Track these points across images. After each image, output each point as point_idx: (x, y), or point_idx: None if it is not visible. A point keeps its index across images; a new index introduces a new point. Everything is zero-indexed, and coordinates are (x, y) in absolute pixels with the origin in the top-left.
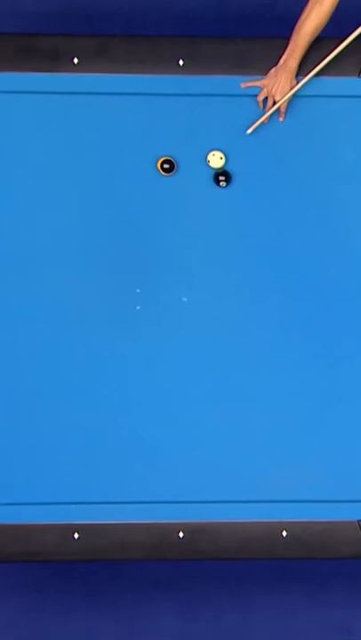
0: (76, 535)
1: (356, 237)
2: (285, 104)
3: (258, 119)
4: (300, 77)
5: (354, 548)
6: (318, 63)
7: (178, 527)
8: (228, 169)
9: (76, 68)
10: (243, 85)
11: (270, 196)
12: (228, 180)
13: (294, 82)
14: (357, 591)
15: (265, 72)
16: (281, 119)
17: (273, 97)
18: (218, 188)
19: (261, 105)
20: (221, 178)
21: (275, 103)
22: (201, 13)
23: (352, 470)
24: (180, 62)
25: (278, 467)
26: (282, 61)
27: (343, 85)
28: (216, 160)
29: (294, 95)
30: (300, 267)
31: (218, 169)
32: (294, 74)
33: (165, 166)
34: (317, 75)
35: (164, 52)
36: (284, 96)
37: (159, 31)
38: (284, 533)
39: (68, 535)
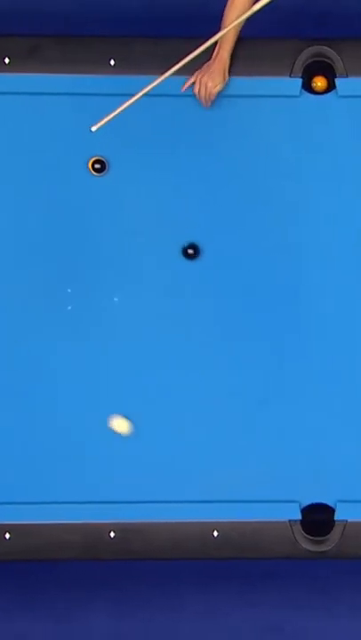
0: (8, 535)
1: (292, 232)
2: (215, 92)
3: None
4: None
5: (285, 547)
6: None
7: (109, 527)
8: (154, 166)
9: (7, 68)
10: (182, 88)
11: (201, 195)
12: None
13: (227, 74)
14: (289, 591)
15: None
16: (207, 105)
17: (205, 86)
18: (147, 188)
19: (204, 101)
20: (97, 166)
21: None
22: (133, 14)
23: (283, 471)
24: (112, 62)
25: (210, 467)
26: (214, 54)
27: (275, 85)
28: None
29: (222, 94)
30: (232, 263)
31: None
32: (227, 65)
33: (97, 166)
34: (250, 75)
35: (95, 52)
36: (216, 86)
37: (92, 31)
38: (216, 533)
39: (0, 535)
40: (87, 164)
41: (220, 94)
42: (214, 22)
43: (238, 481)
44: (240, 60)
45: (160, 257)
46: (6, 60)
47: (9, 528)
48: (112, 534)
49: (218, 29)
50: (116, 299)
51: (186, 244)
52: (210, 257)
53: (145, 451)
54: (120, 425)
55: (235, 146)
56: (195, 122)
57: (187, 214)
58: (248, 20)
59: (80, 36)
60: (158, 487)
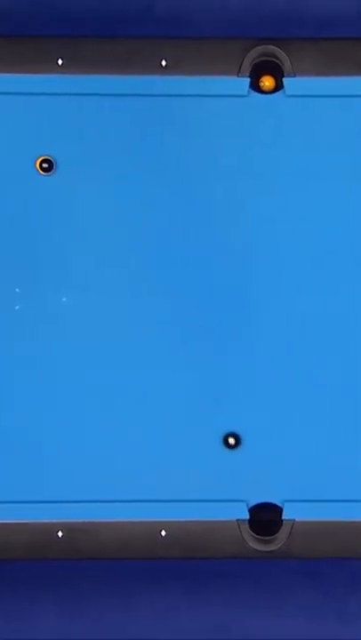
0: None
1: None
2: None
3: None
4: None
5: (233, 547)
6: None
7: (57, 526)
8: (110, 169)
9: None
10: None
11: (147, 194)
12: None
13: None
14: (237, 590)
15: (147, 71)
16: None
17: None
18: (95, 187)
19: None
20: (45, 165)
21: None
22: (83, 14)
23: (230, 470)
24: (60, 62)
25: (158, 466)
26: None
27: (223, 85)
28: None
29: (169, 93)
30: (185, 264)
31: None
32: None
33: (44, 165)
34: (197, 74)
35: (43, 51)
36: None
37: (40, 31)
38: (164, 533)
39: None
40: (35, 163)
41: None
42: (162, 22)
43: (186, 480)
44: (188, 60)
45: (109, 256)
46: None
47: None
48: (60, 534)
49: (169, 28)
50: (64, 299)
51: None
52: (162, 255)
53: (93, 449)
54: None
55: (182, 146)
56: (141, 121)
57: (135, 212)
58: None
59: (31, 36)
60: (107, 486)
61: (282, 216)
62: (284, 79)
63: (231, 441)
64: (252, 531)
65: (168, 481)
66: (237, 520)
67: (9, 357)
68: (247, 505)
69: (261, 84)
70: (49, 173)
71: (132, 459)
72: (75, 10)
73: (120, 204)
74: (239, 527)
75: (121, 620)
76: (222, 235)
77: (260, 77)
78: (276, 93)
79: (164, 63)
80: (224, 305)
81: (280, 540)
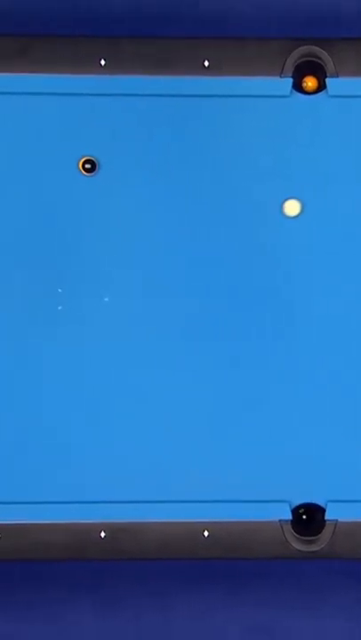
0: None
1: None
2: None
3: None
4: (218, 77)
5: (275, 547)
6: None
7: (100, 527)
8: (151, 169)
9: None
10: None
11: (191, 195)
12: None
13: None
14: (279, 591)
15: (190, 72)
16: None
17: None
18: (138, 188)
19: None
20: (87, 166)
21: None
22: (122, 14)
23: (274, 470)
24: (102, 62)
25: (201, 467)
26: None
27: (266, 85)
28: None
29: (212, 94)
30: (221, 265)
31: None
32: None
33: (87, 166)
34: (240, 74)
35: (85, 52)
36: None
37: (80, 31)
38: (206, 533)
39: None
40: (77, 164)
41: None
42: (204, 22)
43: (229, 481)
44: (230, 60)
45: (152, 256)
46: None
47: None
48: (102, 534)
49: (211, 28)
50: (106, 299)
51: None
52: (203, 257)
53: (136, 450)
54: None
55: (225, 146)
56: (186, 122)
57: (177, 212)
58: (239, 19)
59: (69, 37)
60: (149, 487)
61: (325, 216)
62: (326, 80)
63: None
64: (295, 531)
65: (211, 481)
66: (280, 520)
67: (53, 357)
68: (290, 505)
69: (304, 84)
70: (91, 174)
71: (175, 459)
72: (117, 10)
73: (162, 205)
74: (282, 527)
75: (161, 620)
76: (263, 235)
77: (302, 78)
78: (319, 94)
79: (206, 64)
80: (265, 306)
81: (323, 541)
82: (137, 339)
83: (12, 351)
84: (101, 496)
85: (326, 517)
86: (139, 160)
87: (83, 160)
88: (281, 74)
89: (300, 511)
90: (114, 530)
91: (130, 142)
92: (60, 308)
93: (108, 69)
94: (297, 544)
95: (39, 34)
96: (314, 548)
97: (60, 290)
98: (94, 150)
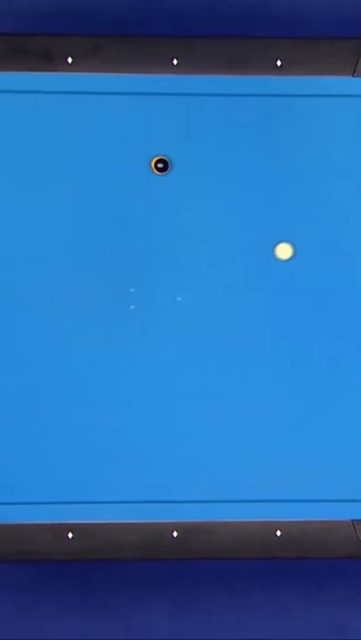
0: (70, 535)
1: (356, 238)
2: None
3: None
4: (291, 77)
5: (348, 547)
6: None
7: (172, 526)
8: (224, 169)
9: (70, 68)
10: None
11: (267, 196)
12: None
13: None
14: (352, 591)
15: (259, 72)
16: None
17: None
18: (209, 188)
19: None
20: (160, 165)
21: None
22: (195, 13)
23: (347, 470)
24: (175, 62)
25: (273, 466)
26: None
27: (338, 85)
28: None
29: (284, 94)
30: (297, 266)
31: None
32: None
33: (159, 165)
34: (312, 74)
35: (158, 51)
36: None
37: (153, 31)
38: (279, 533)
39: (62, 535)
40: (150, 163)
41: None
42: (277, 22)
43: (302, 480)
44: (303, 60)
45: (224, 256)
46: (69, 60)
47: (71, 527)
48: (175, 534)
49: (284, 29)
50: (179, 298)
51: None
52: (269, 259)
53: (209, 450)
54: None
55: (296, 146)
56: (258, 122)
57: (251, 214)
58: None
59: (142, 36)
60: (222, 487)
61: None
62: None
63: None
64: None
65: (283, 481)
66: (352, 520)
67: (125, 356)
68: None
69: None
70: (164, 173)
71: (248, 458)
72: (190, 9)
73: (236, 205)
74: (354, 527)
75: (233, 620)
76: (338, 236)
77: None
78: None
79: (279, 63)
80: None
81: None
82: (210, 338)
83: (85, 350)
84: (174, 496)
85: None
86: (211, 159)
87: (155, 159)
88: (353, 73)
89: None
90: (186, 529)
91: (202, 142)
92: (132, 307)
93: (180, 69)
94: None
95: (112, 33)
96: None
97: (132, 289)
98: (167, 150)
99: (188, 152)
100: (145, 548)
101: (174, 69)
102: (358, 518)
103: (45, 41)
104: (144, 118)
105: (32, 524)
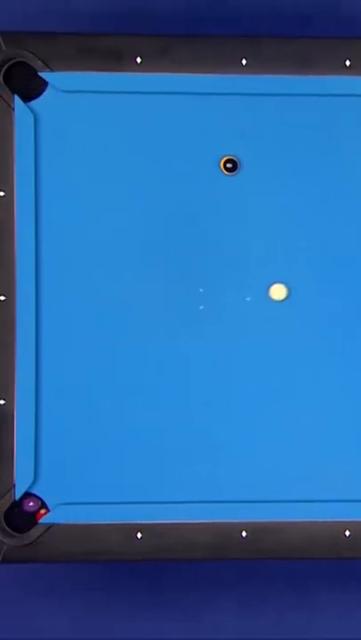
0: (140, 535)
1: None
2: None
3: None
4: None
5: None
6: None
7: (241, 526)
8: (293, 169)
9: (139, 68)
10: None
11: (336, 197)
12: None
13: None
14: None
15: (328, 71)
16: None
17: None
18: (280, 187)
19: None
20: (229, 165)
21: None
22: (264, 13)
23: None
24: (244, 62)
25: (343, 466)
26: None
27: None
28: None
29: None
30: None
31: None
32: None
33: (228, 165)
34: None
35: (227, 51)
36: None
37: (222, 31)
38: (348, 533)
39: (132, 535)
40: (219, 163)
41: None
42: (343, 22)
43: None
44: None
45: (294, 256)
46: (138, 60)
47: (141, 528)
48: (244, 534)
49: (351, 29)
50: (248, 298)
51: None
52: (347, 256)
53: (278, 450)
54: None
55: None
56: (327, 122)
57: (321, 213)
58: None
59: (211, 36)
60: (290, 487)
61: None
62: None
63: None
64: None
65: (353, 481)
66: None
67: (195, 356)
68: None
69: None
70: (233, 173)
71: (317, 458)
72: (258, 10)
73: (306, 205)
74: None
75: (303, 619)
76: None
77: None
78: None
79: (348, 63)
80: None
81: None
82: (279, 338)
83: (154, 350)
84: (243, 495)
85: None
86: (280, 159)
87: (224, 159)
88: None
89: None
90: (256, 530)
91: (271, 142)
92: (201, 307)
93: (249, 69)
94: None
95: (181, 34)
96: None
97: (201, 290)
98: (236, 150)
99: (256, 152)
100: (214, 547)
101: (243, 69)
102: None
103: (115, 41)
104: (213, 118)
105: (102, 524)
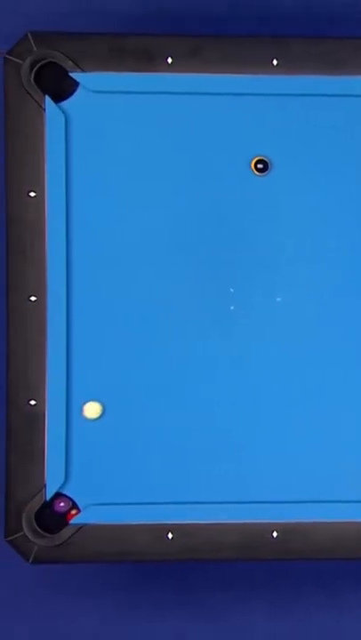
0: (170, 535)
1: None
2: None
3: None
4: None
5: None
6: None
7: (272, 527)
8: (324, 169)
9: (170, 68)
10: None
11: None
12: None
13: None
14: None
15: (356, 72)
16: None
17: None
18: (311, 187)
19: None
20: (260, 166)
21: None
22: (294, 13)
23: None
24: (274, 62)
25: None
26: None
27: None
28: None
29: None
30: None
31: None
32: None
33: (259, 166)
34: None
35: (257, 52)
36: None
37: (253, 31)
38: None
39: (162, 535)
40: (250, 163)
41: None
42: None
43: None
44: None
45: (324, 257)
46: (169, 60)
47: (171, 528)
48: (274, 534)
49: None
50: (279, 299)
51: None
52: None
53: (307, 451)
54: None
55: None
56: (354, 123)
57: (347, 215)
58: None
59: (241, 36)
60: (320, 487)
61: None
62: None
63: None
64: None
65: None
66: None
67: (225, 356)
68: None
69: None
70: (264, 174)
71: (346, 459)
72: (289, 10)
73: (336, 205)
74: None
75: (333, 620)
76: None
77: None
78: None
79: None
80: None
81: None
82: (310, 339)
83: (185, 351)
84: (273, 496)
85: None
86: (311, 160)
87: (255, 160)
88: None
89: None
90: (286, 530)
91: (302, 142)
92: (232, 307)
93: (280, 69)
94: None
95: (212, 34)
96: None
97: (232, 290)
98: (267, 150)
99: (288, 152)
100: (244, 548)
101: (274, 70)
102: None
103: (146, 41)
104: (244, 119)
105: (132, 525)
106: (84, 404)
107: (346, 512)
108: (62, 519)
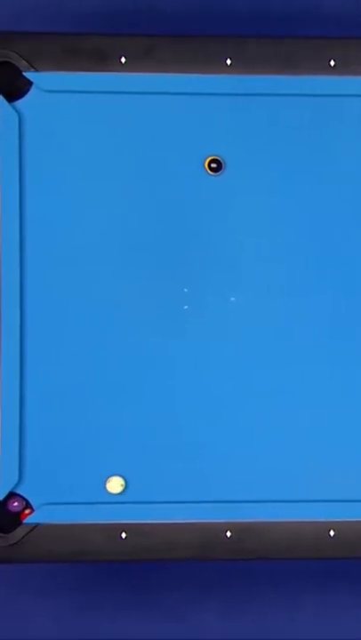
0: (123, 535)
1: None
2: None
3: None
4: (344, 77)
5: None
6: None
7: (226, 527)
8: (277, 169)
9: (123, 68)
10: None
11: (320, 196)
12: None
13: None
14: None
15: (312, 72)
16: None
17: None
18: (265, 187)
19: None
20: (213, 165)
21: None
22: (248, 13)
23: None
24: (228, 62)
25: (326, 466)
26: None
27: None
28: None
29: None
30: (349, 264)
31: None
32: None
33: (213, 165)
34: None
35: (211, 51)
36: None
37: (207, 31)
38: (332, 533)
39: (115, 535)
40: (203, 163)
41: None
42: (327, 22)
43: (356, 480)
44: (356, 59)
45: (278, 256)
46: (122, 60)
47: (125, 527)
48: (228, 534)
49: (335, 28)
50: (232, 298)
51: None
52: (332, 256)
53: (261, 450)
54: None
55: (354, 146)
56: (310, 122)
57: (306, 214)
58: None
59: (195, 36)
60: (275, 487)
61: None
62: None
63: None
64: None
65: (338, 480)
66: None
67: (179, 356)
68: None
69: None
70: (218, 173)
71: (301, 458)
72: (243, 9)
73: (290, 205)
74: None
75: (286, 620)
76: None
77: None
78: None
79: (332, 63)
80: None
81: None
82: (264, 339)
83: (138, 350)
84: (228, 495)
85: None
86: (265, 160)
87: (209, 159)
88: None
89: None
90: (240, 529)
91: (256, 142)
92: (185, 307)
93: (234, 69)
94: None
95: (165, 34)
96: None
97: (185, 290)
98: (221, 150)
99: (241, 152)
100: (199, 547)
101: (228, 69)
102: None
103: (99, 41)
104: (198, 118)
105: (86, 524)
106: (108, 480)
107: (301, 512)
108: (16, 519)
